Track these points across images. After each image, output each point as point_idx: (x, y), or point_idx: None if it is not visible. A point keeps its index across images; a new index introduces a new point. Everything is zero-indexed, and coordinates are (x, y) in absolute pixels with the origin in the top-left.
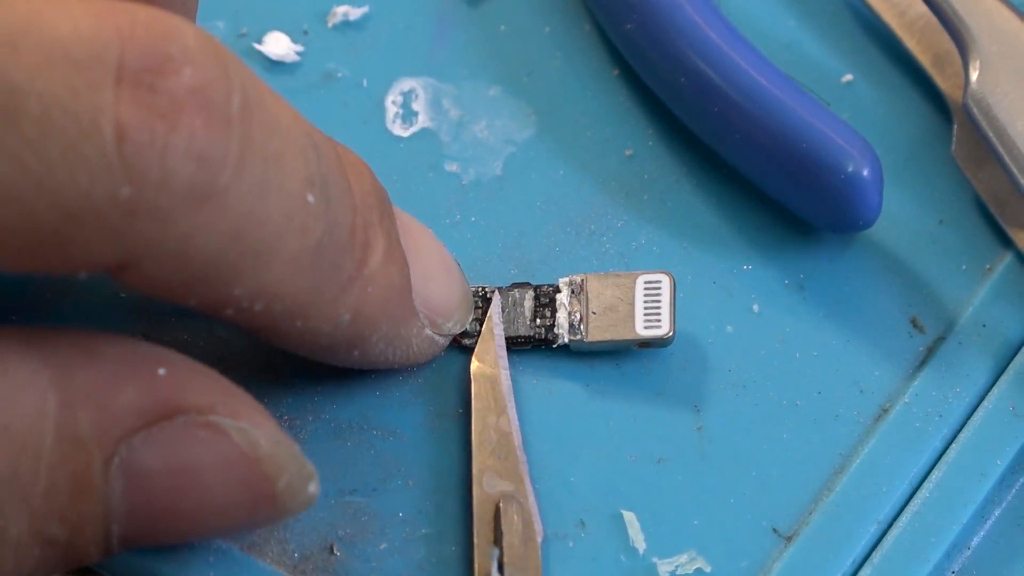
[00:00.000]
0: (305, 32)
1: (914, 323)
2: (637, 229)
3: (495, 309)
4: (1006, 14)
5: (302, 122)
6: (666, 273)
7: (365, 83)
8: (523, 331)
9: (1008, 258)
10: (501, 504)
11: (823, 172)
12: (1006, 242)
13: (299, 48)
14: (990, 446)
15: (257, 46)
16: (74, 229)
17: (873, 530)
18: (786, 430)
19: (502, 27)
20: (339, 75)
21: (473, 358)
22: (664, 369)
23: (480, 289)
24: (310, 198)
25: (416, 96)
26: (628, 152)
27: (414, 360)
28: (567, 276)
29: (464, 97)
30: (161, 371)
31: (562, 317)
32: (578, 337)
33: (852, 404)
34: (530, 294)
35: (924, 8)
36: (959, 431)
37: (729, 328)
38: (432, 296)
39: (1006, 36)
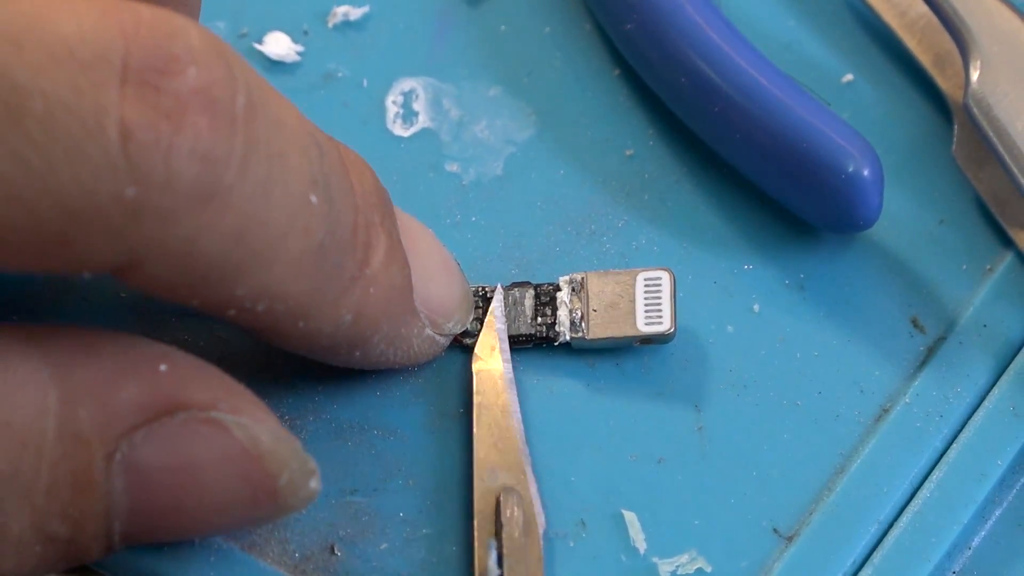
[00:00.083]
0: (305, 32)
1: (915, 323)
2: (637, 229)
3: (497, 303)
4: (1007, 14)
5: (305, 122)
6: (666, 269)
7: (365, 83)
8: (524, 329)
9: (1009, 258)
10: (501, 496)
11: (823, 172)
12: (1007, 242)
13: (299, 48)
14: (991, 446)
15: (257, 46)
16: (78, 229)
17: (874, 530)
18: (787, 430)
19: (502, 27)
20: (339, 75)
21: (475, 351)
22: (665, 369)
23: (480, 289)
24: (313, 198)
25: (416, 96)
26: (628, 152)
27: (415, 360)
28: (567, 275)
29: (464, 97)
30: (162, 367)
31: (563, 315)
32: (579, 335)
33: (853, 404)
34: (530, 293)
35: (925, 8)
36: (960, 431)
37: (730, 328)
38: (433, 296)
39: (1007, 36)
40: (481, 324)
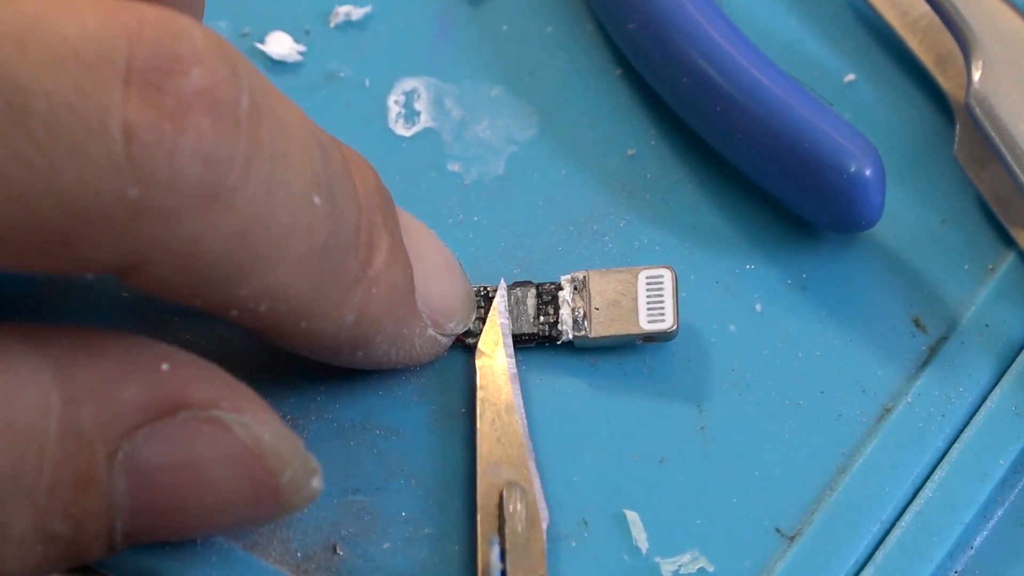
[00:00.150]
0: (307, 32)
1: (916, 323)
2: (639, 228)
3: (500, 298)
4: (1009, 14)
5: (308, 123)
6: (668, 267)
7: (367, 83)
8: (526, 328)
9: (1011, 258)
10: (504, 491)
11: (825, 172)
12: (1008, 242)
13: (301, 48)
14: (993, 446)
15: (259, 46)
16: (81, 229)
17: (876, 530)
18: (788, 430)
19: (504, 27)
20: (341, 75)
21: (478, 346)
22: (667, 368)
23: (482, 288)
24: (316, 199)
25: (418, 96)
26: (630, 152)
27: (417, 360)
28: (569, 274)
29: (466, 97)
30: (164, 367)
31: (565, 314)
32: (582, 333)
33: (855, 404)
34: (532, 292)
35: (926, 8)
36: (962, 431)
37: (732, 328)
38: (434, 296)
39: (1008, 36)
40: (483, 324)
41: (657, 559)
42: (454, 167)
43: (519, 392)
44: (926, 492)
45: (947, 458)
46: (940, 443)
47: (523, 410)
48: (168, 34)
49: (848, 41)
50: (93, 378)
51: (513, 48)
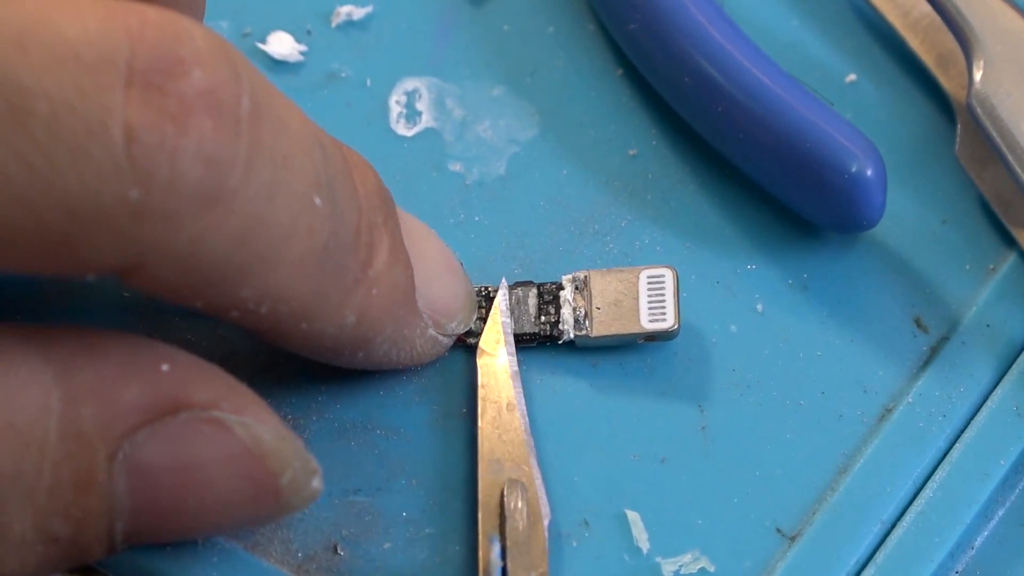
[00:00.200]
0: (309, 32)
1: (918, 323)
2: (641, 229)
3: (501, 297)
4: (1010, 14)
5: (309, 124)
6: (669, 267)
7: (369, 83)
8: (528, 328)
9: (1012, 258)
10: (505, 489)
11: (827, 172)
12: (1010, 242)
13: (303, 48)
14: (994, 446)
15: (261, 46)
16: (82, 231)
17: (877, 530)
18: (790, 430)
19: (505, 27)
20: (343, 75)
21: (479, 344)
22: (668, 368)
23: (484, 289)
24: (317, 200)
25: (420, 96)
26: (632, 152)
27: (418, 361)
28: (570, 274)
29: (468, 97)
30: (164, 367)
31: (567, 313)
32: (583, 332)
33: (856, 404)
34: (534, 291)
35: (928, 8)
36: (963, 431)
37: (733, 328)
38: (435, 296)
39: (1010, 36)
40: (484, 324)
41: (658, 559)
42: (455, 167)
43: (520, 390)
44: (927, 492)
45: (948, 458)
46: (941, 443)
47: (524, 408)
48: (169, 35)
49: (849, 41)
50: (93, 378)
51: (514, 48)
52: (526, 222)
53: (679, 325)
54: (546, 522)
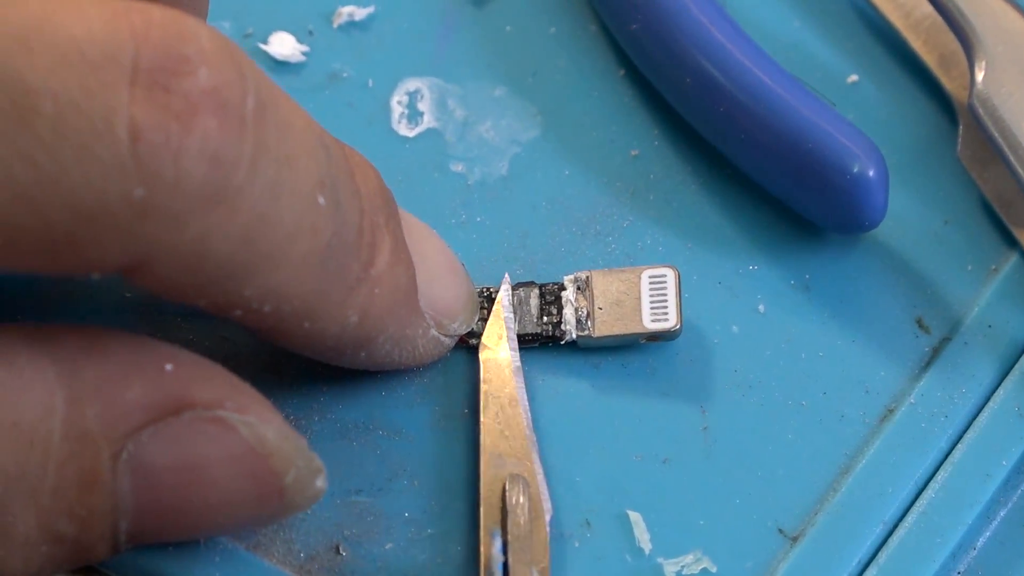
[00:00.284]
0: (310, 32)
1: (920, 323)
2: (642, 229)
3: (504, 293)
4: (1012, 15)
5: (313, 124)
6: (671, 266)
7: (371, 83)
8: (530, 329)
9: (1014, 258)
10: (507, 484)
11: (828, 172)
12: (1012, 242)
13: (304, 48)
14: (996, 447)
15: (262, 46)
16: (87, 229)
17: (879, 530)
18: (791, 430)
19: (507, 27)
20: (344, 75)
21: (482, 340)
22: (670, 369)
23: (485, 290)
24: (320, 200)
25: (422, 96)
26: (634, 152)
27: (420, 361)
28: (572, 274)
29: (469, 97)
30: (168, 367)
31: (569, 313)
32: (585, 333)
33: (858, 404)
34: (536, 292)
35: (930, 8)
36: (965, 432)
37: (735, 328)
38: (437, 297)
39: (1012, 36)
40: (485, 324)
41: (660, 559)
42: (457, 167)
43: (523, 385)
44: (929, 493)
45: (950, 459)
46: (943, 444)
47: (527, 403)
48: (174, 35)
49: (851, 42)
50: (97, 378)
51: (516, 49)
52: (528, 222)
53: (681, 325)
54: (548, 517)
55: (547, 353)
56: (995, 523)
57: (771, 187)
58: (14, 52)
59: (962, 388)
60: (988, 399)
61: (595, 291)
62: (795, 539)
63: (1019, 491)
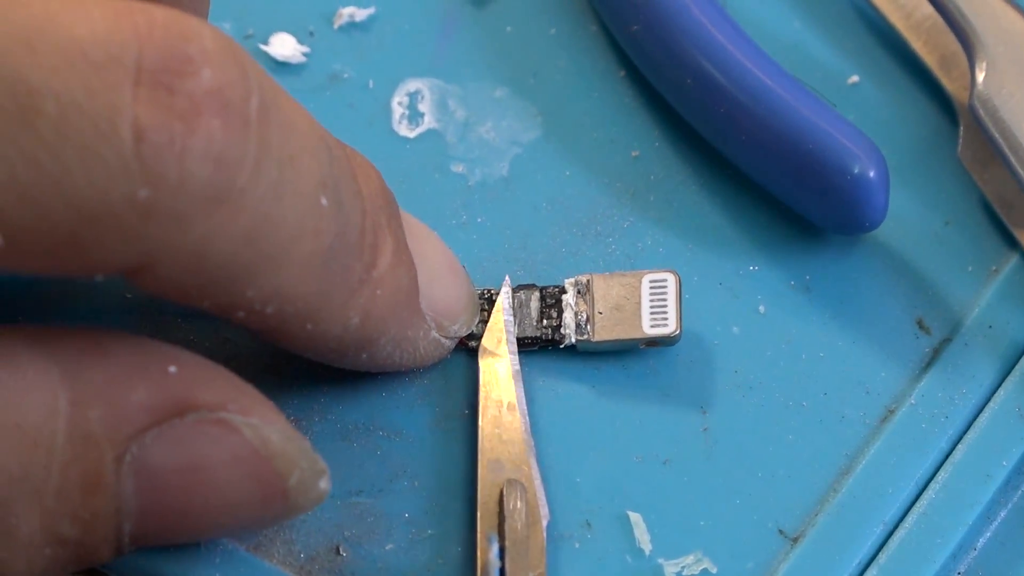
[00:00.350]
0: (311, 33)
1: (920, 324)
2: (643, 230)
3: (504, 296)
4: (1012, 15)
5: (315, 125)
6: (672, 271)
7: (371, 84)
8: (530, 332)
9: (1014, 259)
10: (505, 489)
11: (829, 173)
12: (1012, 243)
13: (305, 49)
14: (996, 447)
15: (263, 47)
16: (91, 231)
17: (879, 531)
18: (792, 431)
19: (508, 28)
20: (345, 76)
21: (482, 344)
22: (670, 370)
23: (486, 291)
24: (323, 201)
25: (422, 97)
26: (634, 153)
27: (421, 363)
28: (573, 277)
29: (470, 98)
30: (171, 369)
31: (568, 317)
32: (585, 337)
33: (858, 405)
34: (536, 295)
35: (930, 9)
36: (965, 432)
37: (735, 329)
38: (438, 298)
39: (1012, 37)
40: (486, 326)
41: (660, 560)
42: (458, 168)
43: (522, 390)
44: (929, 493)
45: (950, 459)
46: (943, 444)
47: (525, 408)
48: (178, 35)
49: (852, 43)
50: (101, 380)
51: (517, 49)
52: (528, 223)
53: (680, 331)
54: (545, 523)
55: (547, 355)
56: (995, 524)
57: (772, 188)
58: (17, 52)
59: (962, 389)
60: (988, 400)
61: (595, 295)
62: (795, 540)
63: (1019, 492)
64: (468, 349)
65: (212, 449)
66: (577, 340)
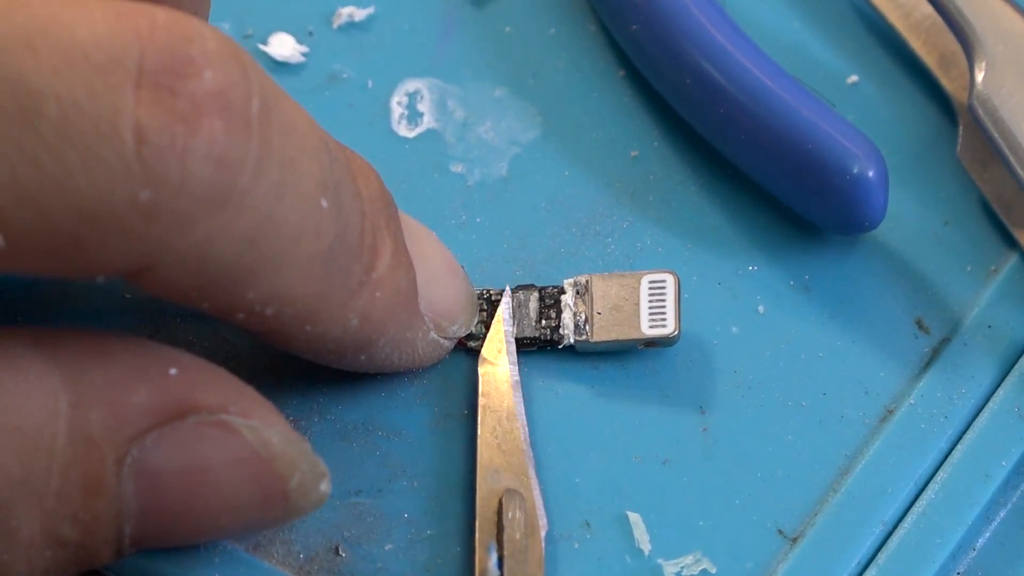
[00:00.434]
0: (310, 33)
1: (919, 324)
2: (642, 230)
3: (505, 305)
4: (1012, 15)
5: (315, 126)
6: (670, 272)
7: (370, 84)
8: (528, 332)
9: (1013, 259)
10: (503, 498)
11: (828, 173)
12: (1011, 243)
13: (304, 49)
14: (995, 447)
15: (262, 47)
16: (92, 232)
17: (878, 531)
18: (791, 431)
19: (507, 28)
20: (344, 76)
21: (482, 353)
22: (669, 370)
23: (485, 292)
24: (324, 202)
25: (421, 97)
26: (633, 153)
27: (420, 364)
28: (572, 277)
29: (469, 98)
30: (172, 371)
31: (567, 318)
32: (583, 337)
33: (857, 405)
34: (535, 296)
35: (929, 9)
36: (964, 432)
37: (734, 329)
38: (437, 299)
39: (1012, 37)
40: (485, 327)
41: (660, 561)
42: (457, 168)
43: (521, 400)
44: (928, 493)
45: (949, 459)
46: (943, 444)
47: (524, 418)
48: (179, 36)
49: (851, 42)
50: (101, 382)
51: (516, 49)
52: (527, 223)
53: (679, 332)
54: (543, 533)
55: (546, 356)
56: (995, 524)
57: (771, 188)
58: (18, 54)
59: (962, 389)
60: (988, 400)
61: (594, 295)
62: (795, 540)
63: (1019, 492)
64: (467, 349)
65: (213, 451)
66: (576, 340)
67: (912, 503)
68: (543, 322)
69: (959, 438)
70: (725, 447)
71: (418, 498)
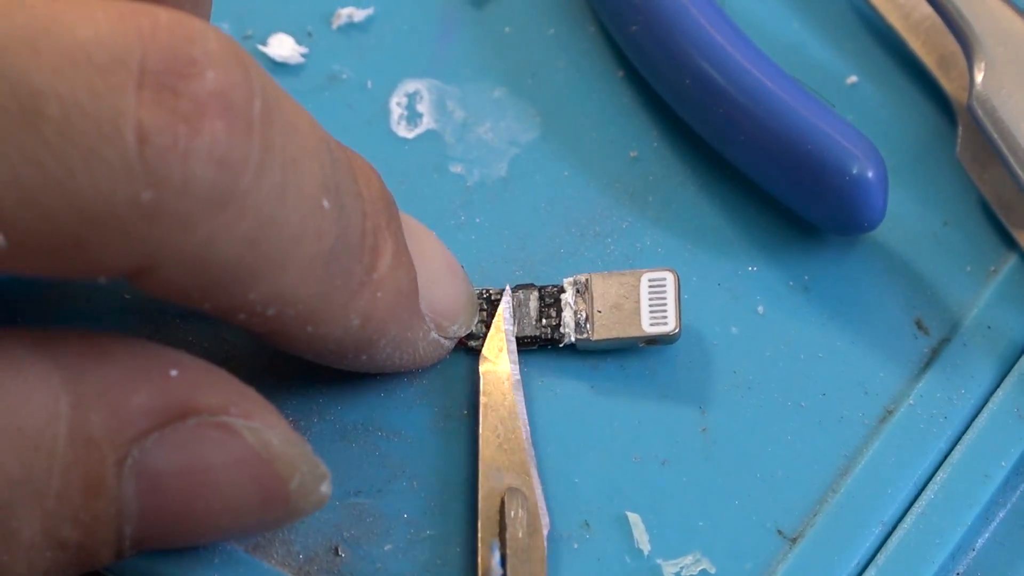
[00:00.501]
0: (309, 34)
1: (919, 325)
2: (642, 231)
3: (505, 305)
4: (1011, 16)
5: (317, 127)
6: (670, 270)
7: (370, 85)
8: (528, 331)
9: (1013, 260)
10: (506, 497)
11: (828, 174)
12: (1011, 244)
13: (303, 50)
14: (995, 448)
15: (262, 48)
16: (94, 233)
17: (878, 532)
18: (791, 431)
19: (506, 29)
20: (344, 77)
21: (482, 352)
22: (669, 370)
23: (485, 292)
24: (325, 203)
25: (421, 98)
26: (633, 154)
27: (420, 364)
28: (571, 276)
29: (469, 99)
30: (173, 372)
31: (567, 316)
32: (584, 336)
33: (857, 405)
34: (535, 295)
35: (929, 9)
36: (964, 433)
37: (734, 329)
38: (437, 299)
39: (1011, 38)
40: (485, 327)
41: (659, 561)
42: (456, 169)
43: (522, 399)
44: (928, 494)
45: (949, 460)
46: (942, 445)
47: (526, 417)
48: (182, 37)
49: (850, 43)
50: (102, 383)
51: (515, 50)
52: (527, 224)
53: (680, 329)
54: (545, 532)
55: (546, 354)
56: (994, 524)
57: (770, 188)
58: (20, 54)
59: (961, 389)
60: (987, 400)
61: (594, 294)
62: (794, 540)
63: (1018, 492)
64: (467, 349)
65: (213, 453)
66: (576, 339)
67: (911, 503)
68: (543, 321)
69: (958, 438)
70: (725, 447)
71: (418, 498)
